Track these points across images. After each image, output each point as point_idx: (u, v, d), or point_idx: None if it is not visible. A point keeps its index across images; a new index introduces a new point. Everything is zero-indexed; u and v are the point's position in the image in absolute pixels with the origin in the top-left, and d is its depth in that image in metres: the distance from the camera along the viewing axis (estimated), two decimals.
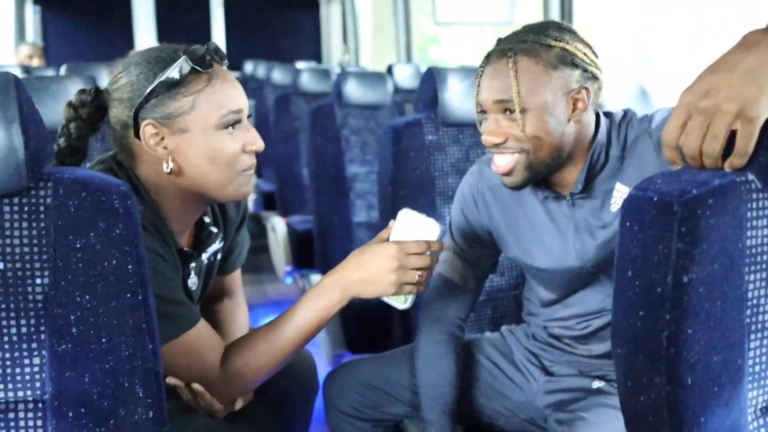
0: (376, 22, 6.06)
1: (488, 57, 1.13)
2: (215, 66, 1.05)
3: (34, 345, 0.77)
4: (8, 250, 0.77)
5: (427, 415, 1.30)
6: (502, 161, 1.12)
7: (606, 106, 1.81)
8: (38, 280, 0.77)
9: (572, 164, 1.14)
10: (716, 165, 0.72)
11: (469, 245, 1.32)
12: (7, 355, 0.77)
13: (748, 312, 0.72)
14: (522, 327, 1.42)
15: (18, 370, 0.77)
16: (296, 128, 3.37)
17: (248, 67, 5.85)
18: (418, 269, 1.03)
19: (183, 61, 1.01)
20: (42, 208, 0.77)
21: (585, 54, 1.10)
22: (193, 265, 1.17)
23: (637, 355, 0.74)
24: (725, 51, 0.72)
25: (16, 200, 0.77)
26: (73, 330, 0.77)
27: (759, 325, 0.73)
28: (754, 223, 0.71)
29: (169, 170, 1.04)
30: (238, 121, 1.06)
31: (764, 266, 0.72)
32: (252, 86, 4.89)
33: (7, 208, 0.77)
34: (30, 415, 0.78)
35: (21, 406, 0.78)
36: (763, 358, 0.75)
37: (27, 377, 0.78)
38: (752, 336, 0.73)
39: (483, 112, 1.14)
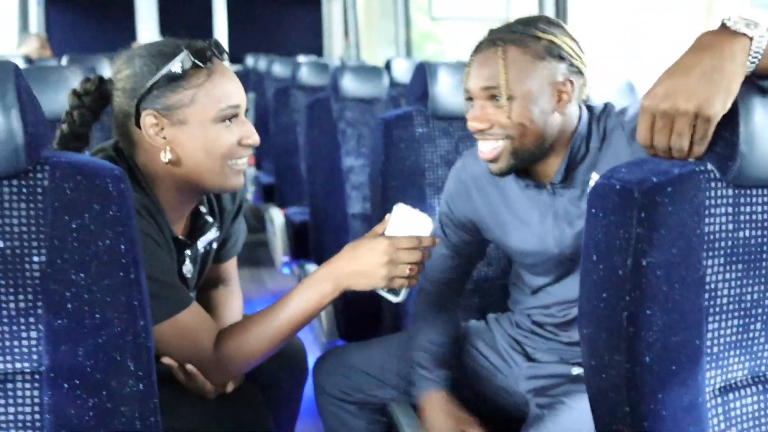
0: (367, 16, 6.07)
1: (478, 46, 1.17)
2: (215, 61, 1.10)
3: (32, 319, 0.81)
4: (7, 229, 0.80)
5: (422, 375, 1.34)
6: (487, 147, 1.16)
7: (593, 100, 1.85)
8: (35, 258, 0.80)
9: (554, 154, 1.18)
10: (685, 156, 0.77)
11: (455, 233, 1.37)
12: (6, 329, 0.81)
13: (706, 295, 0.76)
14: (507, 315, 1.46)
15: (16, 343, 0.81)
16: (295, 121, 3.39)
17: (249, 60, 5.87)
18: (409, 264, 1.07)
19: (184, 56, 1.06)
20: (39, 190, 0.81)
21: (572, 48, 1.14)
22: (188, 252, 1.20)
23: (600, 335, 0.77)
24: (680, 54, 0.75)
25: (14, 182, 0.80)
26: (68, 306, 0.81)
27: (717, 308, 0.77)
28: (713, 210, 0.75)
29: (167, 160, 1.08)
30: (235, 115, 1.10)
31: (722, 252, 0.76)
32: (252, 79, 4.91)
33: (6, 190, 0.80)
34: (27, 385, 0.81)
35: (19, 377, 0.81)
36: (722, 340, 0.78)
37: (24, 350, 0.81)
38: (710, 318, 0.77)
39: (470, 99, 1.17)
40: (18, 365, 0.81)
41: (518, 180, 1.25)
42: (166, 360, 1.10)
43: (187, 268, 1.21)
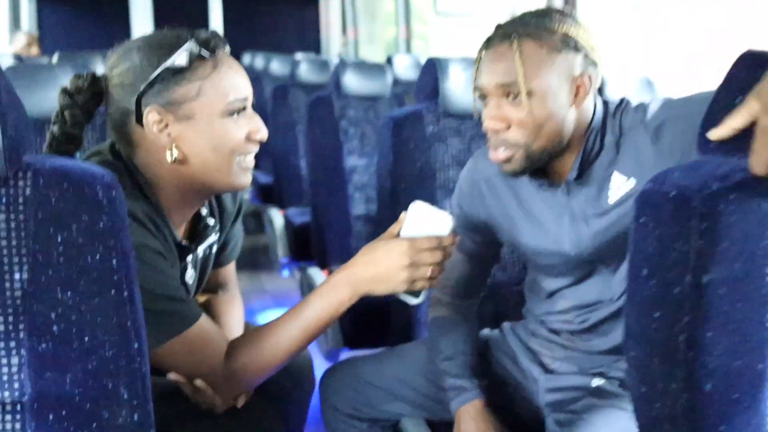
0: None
1: (489, 41, 1.11)
2: (220, 52, 1.04)
3: (12, 344, 0.74)
4: None
5: (455, 385, 1.29)
6: (499, 149, 1.11)
7: (610, 95, 1.80)
8: (16, 276, 0.73)
9: (569, 151, 1.14)
10: None
11: (468, 236, 1.33)
12: None
13: None
14: (522, 323, 1.41)
15: None
16: (294, 120, 3.35)
17: (246, 58, 5.82)
18: (430, 265, 1.02)
19: (190, 45, 1.00)
20: (21, 200, 0.74)
21: (586, 39, 1.10)
22: (190, 258, 1.15)
23: (652, 359, 0.70)
24: None
25: None
26: (54, 328, 0.74)
27: None
28: None
29: (172, 158, 1.02)
30: (243, 109, 1.05)
31: None
32: (250, 77, 4.84)
33: None
34: (8, 417, 0.75)
35: None
36: None
37: (5, 377, 0.74)
38: None
39: (483, 97, 1.13)
40: None
41: (532, 180, 1.20)
42: (173, 376, 1.06)
43: (189, 274, 1.17)
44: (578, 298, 1.24)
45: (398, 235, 1.05)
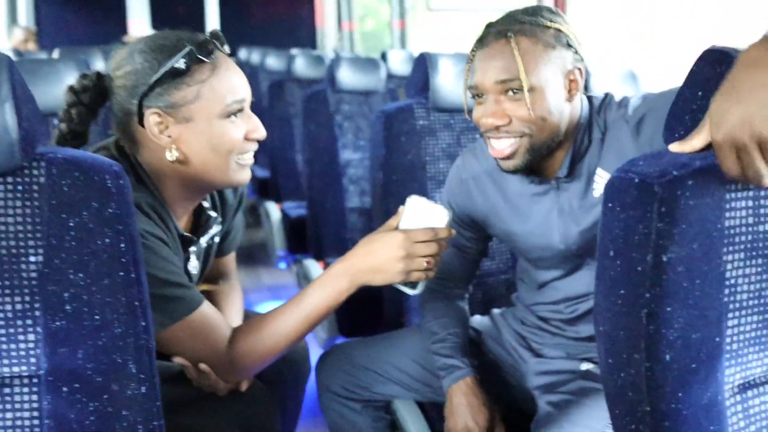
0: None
1: (482, 40, 1.12)
2: (219, 55, 1.06)
3: (29, 321, 0.78)
4: (2, 228, 0.77)
5: (447, 364, 1.32)
6: (503, 144, 1.12)
7: (594, 88, 1.84)
8: (32, 258, 0.78)
9: (560, 148, 1.15)
10: None
11: (458, 231, 1.35)
12: (2, 332, 0.78)
13: (726, 291, 0.74)
14: (512, 310, 1.45)
15: (13, 346, 0.78)
16: (290, 114, 3.36)
17: (242, 53, 5.82)
18: (425, 256, 1.05)
19: (188, 51, 1.02)
20: (35, 188, 0.78)
21: (575, 37, 1.12)
22: (193, 249, 1.18)
23: (618, 333, 0.75)
24: (732, 75, 0.70)
25: (9, 179, 0.78)
26: (67, 307, 0.78)
27: (737, 304, 0.75)
28: (733, 204, 0.73)
29: (173, 158, 1.05)
30: (240, 110, 1.07)
31: (742, 246, 0.74)
32: (246, 72, 4.81)
33: (0, 188, 0.78)
34: (25, 390, 0.79)
35: (16, 381, 0.79)
36: (741, 337, 0.76)
37: (22, 353, 0.79)
38: (730, 314, 0.75)
39: (478, 96, 1.13)
40: (15, 369, 0.79)
41: (522, 177, 1.22)
42: (178, 360, 1.08)
43: (193, 264, 1.20)
44: (569, 290, 1.27)
45: (396, 228, 1.08)
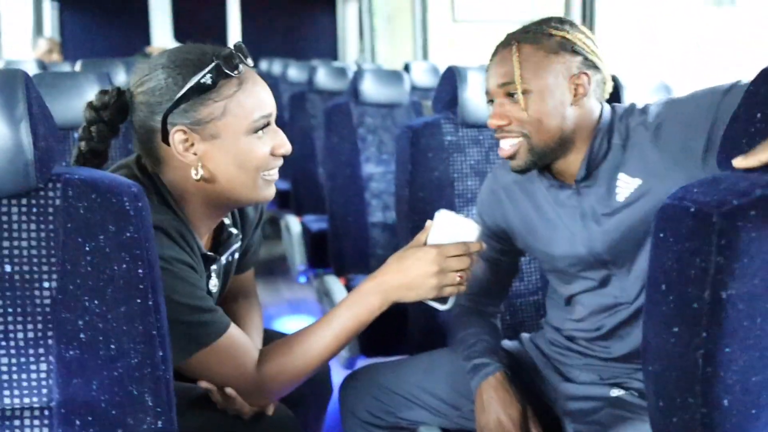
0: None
1: (496, 49, 1.19)
2: (244, 68, 1.04)
3: (41, 350, 0.75)
4: (15, 252, 0.75)
5: (476, 364, 1.30)
6: (506, 144, 1.18)
7: (627, 100, 1.80)
8: (45, 284, 0.75)
9: (575, 150, 1.18)
10: None
11: (489, 244, 1.34)
12: (14, 361, 0.75)
13: None
14: (540, 333, 1.42)
15: (24, 375, 0.75)
16: (312, 126, 3.35)
17: (263, 64, 5.84)
18: (457, 271, 1.04)
19: (215, 66, 0.99)
20: (50, 210, 0.75)
21: (585, 43, 1.15)
22: (213, 267, 1.16)
23: (670, 374, 0.70)
24: None
25: (24, 201, 0.75)
26: (81, 335, 0.75)
27: None
28: None
29: (198, 177, 1.02)
30: (267, 125, 1.05)
31: None
32: (267, 83, 4.86)
33: (15, 209, 0.75)
34: (36, 422, 0.76)
35: (27, 413, 0.76)
36: None
37: (33, 383, 0.76)
38: None
39: (491, 101, 1.20)
40: (26, 400, 0.76)
41: (543, 180, 1.25)
42: (204, 384, 1.06)
43: (213, 282, 1.17)
44: (595, 303, 1.25)
45: (425, 243, 1.07)
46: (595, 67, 1.16)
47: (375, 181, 2.55)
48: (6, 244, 0.75)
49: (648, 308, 0.73)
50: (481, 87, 1.61)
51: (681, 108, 1.10)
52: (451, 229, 1.06)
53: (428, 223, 1.08)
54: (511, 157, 1.18)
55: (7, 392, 0.75)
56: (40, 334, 0.75)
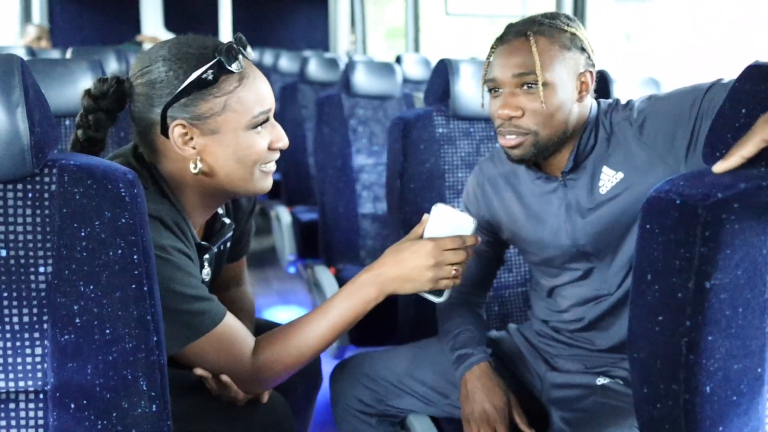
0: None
1: (502, 38, 1.18)
2: (245, 63, 1.03)
3: (36, 335, 0.76)
4: (11, 237, 0.75)
5: (461, 354, 1.32)
6: (512, 135, 1.17)
7: (616, 94, 1.82)
8: (41, 269, 0.75)
9: (566, 146, 1.20)
10: None
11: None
12: (9, 345, 0.75)
13: None
14: (527, 324, 1.44)
15: (19, 359, 0.76)
16: (303, 117, 3.34)
17: (255, 54, 5.80)
18: (453, 264, 1.06)
19: (216, 62, 0.99)
20: (46, 195, 0.76)
21: (589, 42, 1.19)
22: (206, 256, 1.16)
23: (655, 362, 0.72)
24: None
25: (20, 186, 0.75)
26: (77, 320, 0.76)
27: None
28: None
29: (197, 171, 1.02)
30: (267, 120, 1.05)
31: None
32: None
33: (11, 195, 0.75)
34: (31, 405, 0.77)
35: (22, 397, 0.76)
36: None
37: (28, 367, 0.76)
38: None
39: (495, 89, 1.19)
40: (21, 384, 0.76)
41: (529, 172, 1.26)
42: (199, 371, 1.07)
43: (206, 271, 1.18)
44: (577, 295, 1.27)
45: (422, 236, 1.08)
46: (594, 65, 1.19)
47: (366, 173, 2.55)
48: (2, 229, 0.75)
49: (634, 298, 0.75)
50: (475, 81, 1.63)
51: (664, 105, 1.12)
52: (448, 223, 1.07)
53: (425, 216, 1.09)
54: (514, 147, 1.18)
55: (2, 376, 0.76)
56: (35, 318, 0.75)
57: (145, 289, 0.78)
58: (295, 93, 3.39)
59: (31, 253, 0.75)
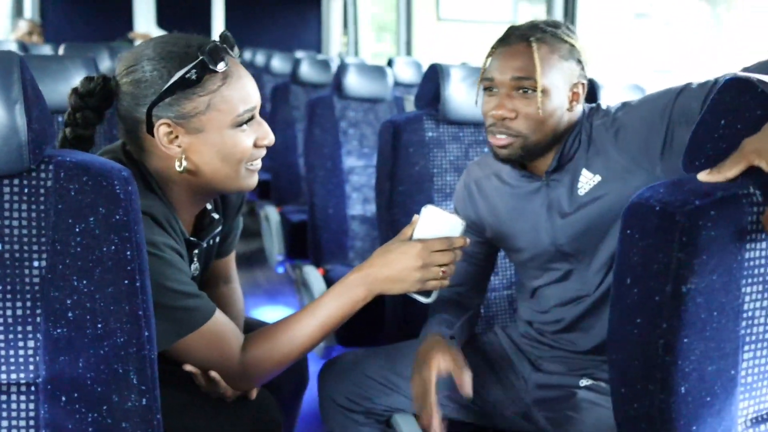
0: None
1: (504, 40, 1.21)
2: (229, 61, 1.03)
3: (29, 328, 0.77)
4: (6, 231, 0.76)
5: (423, 333, 1.31)
6: (502, 135, 1.20)
7: (603, 98, 1.86)
8: (36, 263, 0.76)
9: (553, 149, 1.23)
10: None
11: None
12: (2, 337, 0.76)
13: (744, 323, 0.73)
14: (513, 326, 1.45)
15: (12, 352, 0.77)
16: (294, 118, 3.35)
17: (247, 54, 5.82)
18: (441, 265, 1.07)
19: (200, 62, 0.99)
20: (42, 191, 0.77)
21: (584, 54, 1.22)
22: (196, 251, 1.17)
23: (633, 362, 0.74)
24: None
25: (16, 182, 0.76)
26: (69, 314, 0.77)
27: (753, 337, 0.74)
28: (754, 236, 0.72)
29: (182, 169, 1.03)
30: (251, 118, 1.05)
31: (761, 279, 0.73)
32: (250, 73, 4.84)
33: (7, 189, 0.76)
34: (23, 398, 0.78)
35: (14, 389, 0.77)
36: (756, 370, 0.75)
37: (21, 360, 0.77)
38: (746, 347, 0.74)
39: (491, 89, 1.21)
40: (13, 376, 0.77)
41: (514, 171, 1.29)
42: (188, 368, 1.07)
43: (195, 266, 1.18)
44: (558, 296, 1.30)
45: (411, 237, 1.09)
46: (586, 77, 1.22)
47: (356, 174, 2.57)
48: None
49: (614, 300, 0.77)
50: (465, 85, 1.65)
51: (638, 111, 1.16)
52: (437, 225, 1.08)
53: (415, 217, 1.10)
54: (503, 147, 1.21)
55: None
56: (28, 311, 0.76)
57: (138, 284, 0.79)
58: (286, 94, 3.39)
59: (25, 248, 0.76)
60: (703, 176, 0.75)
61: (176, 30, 1.07)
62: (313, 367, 1.50)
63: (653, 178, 1.11)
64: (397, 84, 3.30)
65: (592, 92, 1.89)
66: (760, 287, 0.73)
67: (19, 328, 0.77)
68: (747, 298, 0.73)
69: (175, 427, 1.02)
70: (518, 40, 1.19)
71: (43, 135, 0.77)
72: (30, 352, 0.77)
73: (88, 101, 1.04)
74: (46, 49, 4.15)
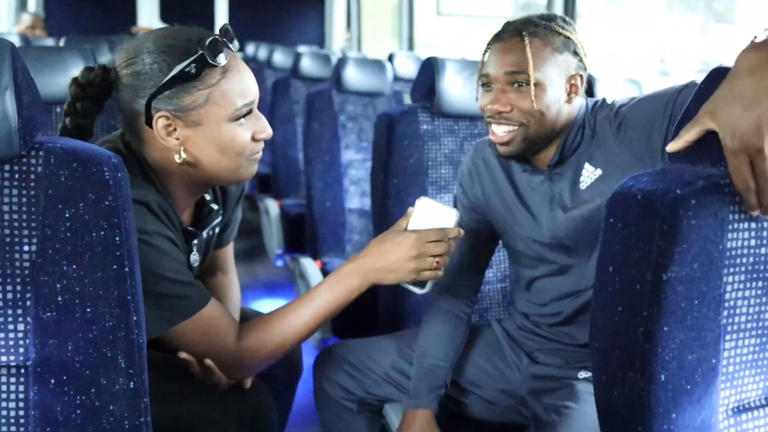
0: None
1: (499, 36, 1.22)
2: (229, 56, 1.04)
3: (20, 311, 0.78)
4: None
5: (415, 387, 1.34)
6: (502, 130, 1.21)
7: (599, 91, 1.86)
8: (26, 248, 0.77)
9: (554, 142, 1.24)
10: None
11: (468, 215, 1.39)
12: None
13: (725, 313, 0.73)
14: (509, 318, 1.46)
15: (2, 335, 0.78)
16: (294, 112, 3.36)
17: (249, 48, 5.82)
18: (435, 256, 1.08)
19: (200, 56, 1.00)
20: (32, 177, 0.77)
21: (582, 46, 1.22)
22: (195, 242, 1.18)
23: (614, 350, 0.74)
24: (731, 82, 0.71)
25: (7, 167, 0.77)
26: (59, 298, 0.78)
27: (734, 327, 0.74)
28: (736, 225, 0.72)
29: (181, 161, 1.04)
30: (250, 111, 1.06)
31: (743, 269, 0.73)
32: (252, 68, 4.83)
33: None
34: (12, 380, 0.79)
35: (3, 371, 0.78)
36: (737, 359, 0.76)
37: (11, 342, 0.78)
38: (727, 337, 0.74)
39: (487, 84, 1.23)
40: (3, 359, 0.78)
41: (522, 167, 1.29)
42: (182, 355, 1.08)
43: (194, 257, 1.19)
44: (556, 289, 1.30)
45: (406, 228, 1.11)
46: (585, 69, 1.23)
47: (354, 168, 2.57)
48: None
49: (596, 289, 0.78)
50: (461, 79, 1.66)
51: (641, 106, 1.17)
52: (431, 216, 1.10)
53: (410, 209, 1.12)
54: (504, 144, 1.21)
55: None
56: (18, 295, 0.77)
57: (126, 270, 0.80)
58: (287, 88, 3.40)
59: (16, 232, 0.77)
60: (670, 146, 0.76)
61: (179, 24, 1.08)
62: (308, 359, 1.51)
63: None
64: (397, 79, 3.30)
65: (588, 86, 1.89)
66: (742, 277, 0.74)
67: (10, 312, 0.78)
68: (728, 288, 0.73)
69: (167, 414, 1.03)
70: (511, 35, 1.20)
71: (34, 122, 0.78)
72: (20, 335, 0.78)
73: (88, 91, 1.05)
74: (49, 43, 4.16)
